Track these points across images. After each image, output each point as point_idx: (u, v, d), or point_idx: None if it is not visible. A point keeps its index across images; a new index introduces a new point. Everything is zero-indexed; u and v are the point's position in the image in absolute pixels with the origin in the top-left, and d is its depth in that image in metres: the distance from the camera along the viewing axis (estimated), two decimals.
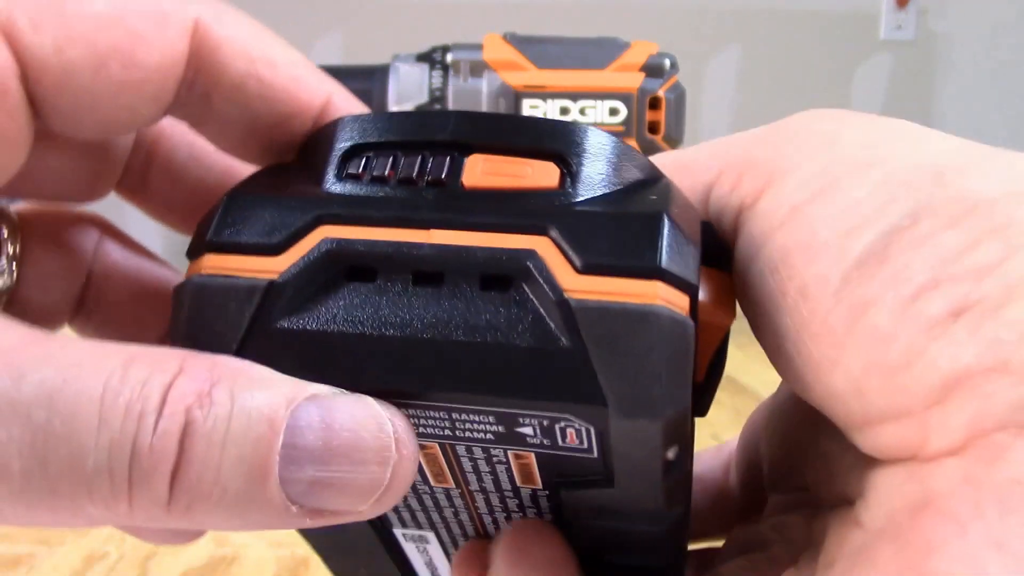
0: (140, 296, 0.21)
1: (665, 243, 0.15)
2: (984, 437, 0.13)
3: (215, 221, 0.16)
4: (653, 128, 0.53)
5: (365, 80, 0.54)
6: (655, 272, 0.15)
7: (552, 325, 0.15)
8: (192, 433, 0.13)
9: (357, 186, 0.16)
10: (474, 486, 0.18)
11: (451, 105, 0.52)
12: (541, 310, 0.15)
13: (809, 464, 0.19)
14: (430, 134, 0.17)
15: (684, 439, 0.16)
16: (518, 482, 0.18)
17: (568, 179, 0.16)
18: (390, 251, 0.15)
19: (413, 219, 0.15)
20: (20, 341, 0.14)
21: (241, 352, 0.15)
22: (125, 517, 0.13)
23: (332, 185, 0.16)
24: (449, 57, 0.53)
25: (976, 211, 0.14)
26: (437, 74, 0.53)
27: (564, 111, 0.52)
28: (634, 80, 0.53)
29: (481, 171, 0.16)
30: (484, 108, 0.53)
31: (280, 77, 0.18)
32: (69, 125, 0.16)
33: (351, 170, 0.16)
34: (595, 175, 0.16)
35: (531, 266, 0.15)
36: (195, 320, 0.15)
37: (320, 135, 0.17)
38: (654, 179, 0.17)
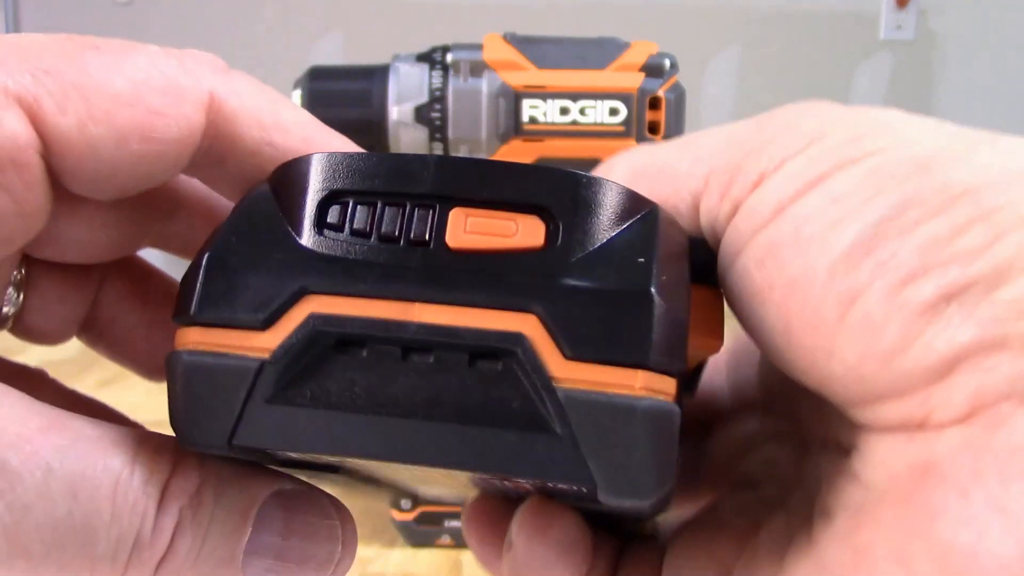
0: (152, 321, 0.22)
1: (653, 331, 0.15)
2: (987, 408, 0.14)
3: (198, 291, 0.16)
4: (653, 128, 0.53)
5: (365, 80, 0.54)
6: (642, 364, 0.15)
7: (542, 411, 0.15)
8: (182, 530, 0.16)
9: (337, 241, 0.16)
10: (468, 481, 0.19)
11: (451, 104, 0.52)
12: (531, 394, 0.15)
13: (803, 403, 0.20)
14: (410, 184, 0.16)
15: (671, 495, 0.16)
16: (511, 487, 0.18)
17: (554, 236, 0.16)
18: (378, 331, 0.15)
19: (399, 293, 0.15)
20: (40, 427, 0.15)
21: (236, 433, 0.15)
22: None
23: (311, 238, 0.16)
24: (449, 57, 0.53)
25: (962, 198, 0.15)
26: (437, 74, 0.53)
27: (564, 111, 0.52)
28: (634, 80, 0.53)
29: (466, 229, 0.16)
30: (484, 108, 0.53)
31: (292, 141, 0.19)
32: (89, 190, 0.17)
33: (330, 219, 0.16)
34: (581, 226, 0.16)
35: (520, 352, 0.15)
36: (190, 401, 0.16)
37: (295, 171, 0.17)
38: (640, 217, 0.16)
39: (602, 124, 0.52)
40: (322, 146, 0.19)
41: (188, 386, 0.16)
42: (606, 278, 0.15)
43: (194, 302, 0.16)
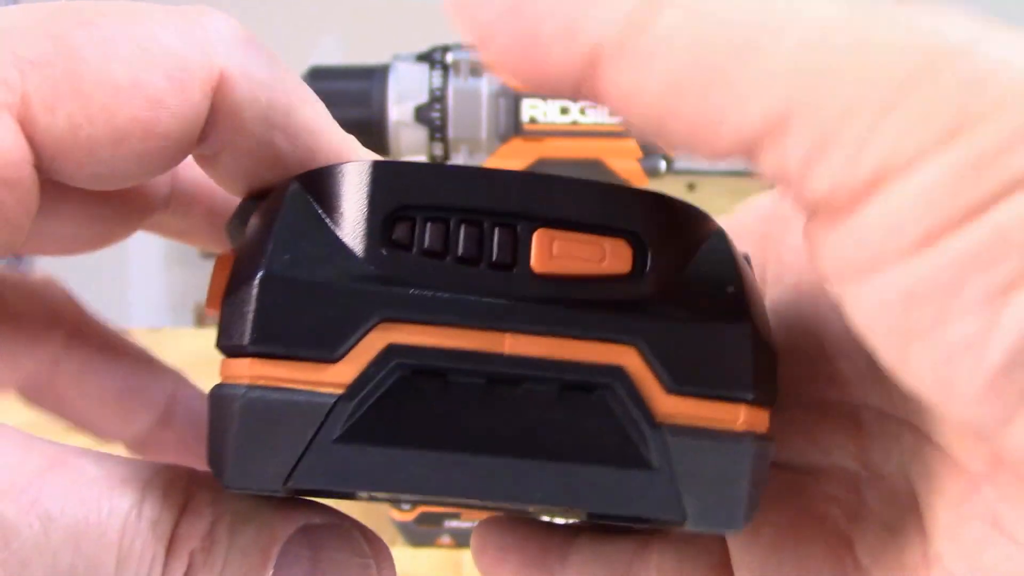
0: (117, 392, 0.21)
1: (754, 365, 0.14)
2: None
3: (253, 318, 0.14)
4: None
5: (365, 80, 0.54)
6: (744, 398, 0.15)
7: (640, 446, 0.14)
8: None
9: (406, 262, 0.14)
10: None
11: (451, 104, 0.52)
12: (628, 428, 0.14)
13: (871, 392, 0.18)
14: (489, 201, 0.15)
15: None
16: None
17: (641, 261, 0.15)
18: (465, 364, 0.14)
19: (487, 322, 0.14)
20: (38, 469, 0.14)
21: (294, 474, 0.14)
22: None
23: (376, 257, 0.14)
24: (449, 57, 0.53)
25: None
26: (437, 74, 0.53)
27: (564, 111, 0.52)
28: None
29: (552, 253, 0.15)
30: (484, 108, 0.53)
31: (298, 147, 0.16)
32: (84, 185, 0.15)
33: (397, 235, 0.15)
34: (666, 251, 0.15)
35: (618, 385, 0.14)
36: (246, 441, 0.14)
37: (344, 179, 0.15)
38: (711, 237, 0.16)
39: (602, 124, 0.52)
40: (331, 156, 0.17)
41: (245, 425, 0.14)
42: (701, 309, 0.15)
43: (250, 330, 0.14)
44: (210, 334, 0.22)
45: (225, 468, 0.14)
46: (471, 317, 0.14)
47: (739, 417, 0.15)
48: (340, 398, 0.14)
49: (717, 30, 0.12)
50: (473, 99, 0.53)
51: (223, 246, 0.20)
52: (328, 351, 0.14)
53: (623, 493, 0.14)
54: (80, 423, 0.21)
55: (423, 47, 0.55)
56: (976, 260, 0.11)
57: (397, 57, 0.54)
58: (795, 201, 0.13)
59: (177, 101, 0.15)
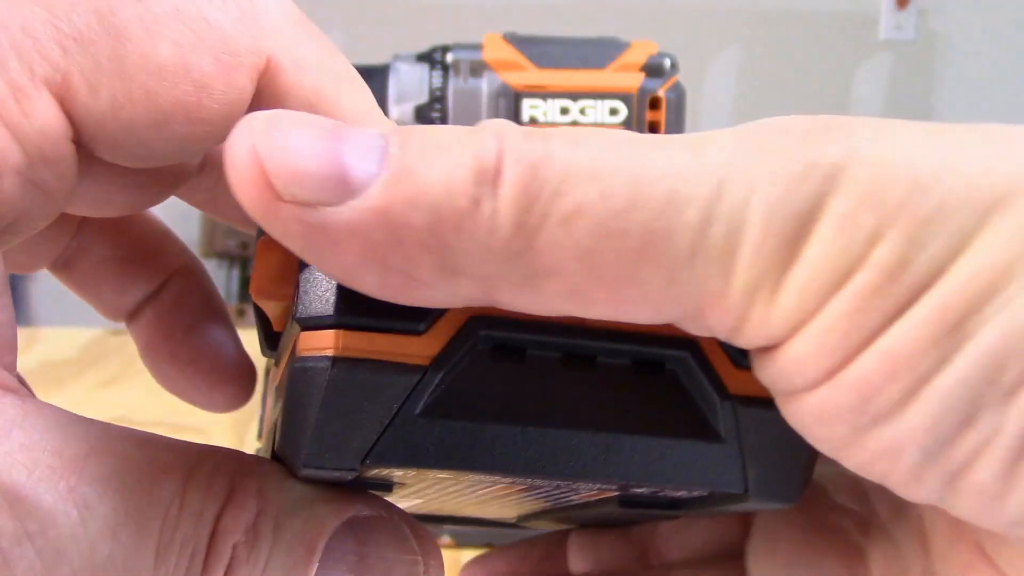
0: (124, 257, 0.20)
1: None
2: None
3: (339, 289, 0.14)
4: (653, 128, 0.53)
5: (365, 80, 0.54)
6: None
7: (712, 421, 0.15)
8: (234, 572, 0.14)
9: None
10: (540, 491, 0.17)
11: (451, 104, 0.52)
12: (700, 403, 0.15)
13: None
14: None
15: None
16: (592, 497, 0.17)
17: None
18: (544, 337, 0.14)
19: None
20: (78, 455, 0.13)
21: (373, 452, 0.14)
22: None
23: None
24: (449, 57, 0.53)
25: None
26: (437, 74, 0.53)
27: (564, 111, 0.52)
28: (634, 80, 0.53)
29: None
30: (484, 108, 0.53)
31: None
32: (120, 162, 0.15)
33: None
34: None
35: (692, 360, 0.15)
36: (331, 417, 0.14)
37: None
38: None
39: (602, 124, 0.52)
40: None
41: (333, 399, 0.13)
42: None
43: (335, 301, 0.14)
44: None
45: (302, 445, 0.14)
46: None
47: None
48: (426, 370, 0.14)
49: (611, 238, 0.12)
50: (473, 99, 0.53)
51: (247, 224, 0.19)
52: (414, 323, 0.14)
53: (697, 468, 0.15)
54: (82, 290, 0.20)
55: (423, 47, 0.55)
56: (870, 383, 0.12)
57: (397, 57, 0.54)
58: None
59: (223, 85, 0.14)
